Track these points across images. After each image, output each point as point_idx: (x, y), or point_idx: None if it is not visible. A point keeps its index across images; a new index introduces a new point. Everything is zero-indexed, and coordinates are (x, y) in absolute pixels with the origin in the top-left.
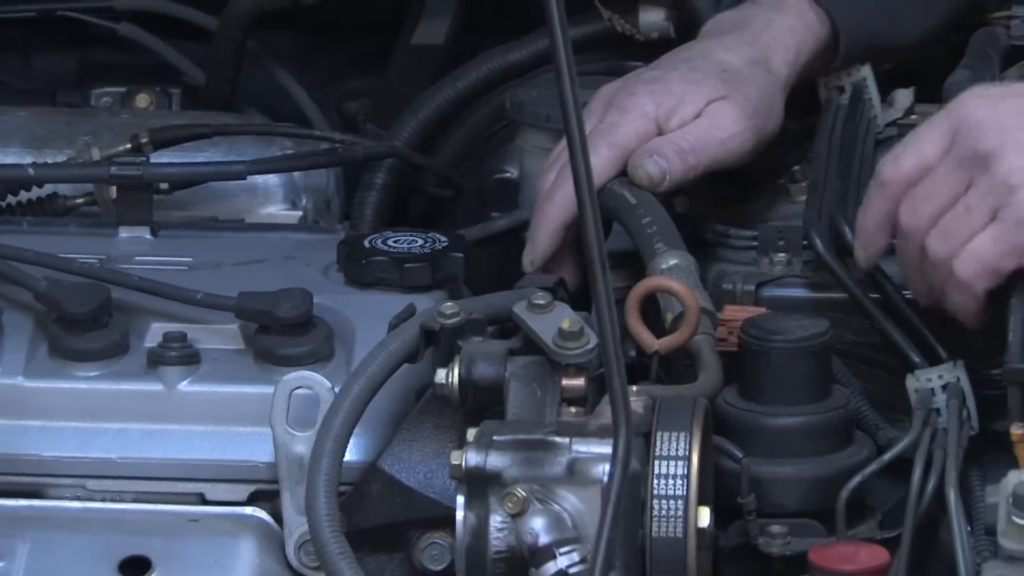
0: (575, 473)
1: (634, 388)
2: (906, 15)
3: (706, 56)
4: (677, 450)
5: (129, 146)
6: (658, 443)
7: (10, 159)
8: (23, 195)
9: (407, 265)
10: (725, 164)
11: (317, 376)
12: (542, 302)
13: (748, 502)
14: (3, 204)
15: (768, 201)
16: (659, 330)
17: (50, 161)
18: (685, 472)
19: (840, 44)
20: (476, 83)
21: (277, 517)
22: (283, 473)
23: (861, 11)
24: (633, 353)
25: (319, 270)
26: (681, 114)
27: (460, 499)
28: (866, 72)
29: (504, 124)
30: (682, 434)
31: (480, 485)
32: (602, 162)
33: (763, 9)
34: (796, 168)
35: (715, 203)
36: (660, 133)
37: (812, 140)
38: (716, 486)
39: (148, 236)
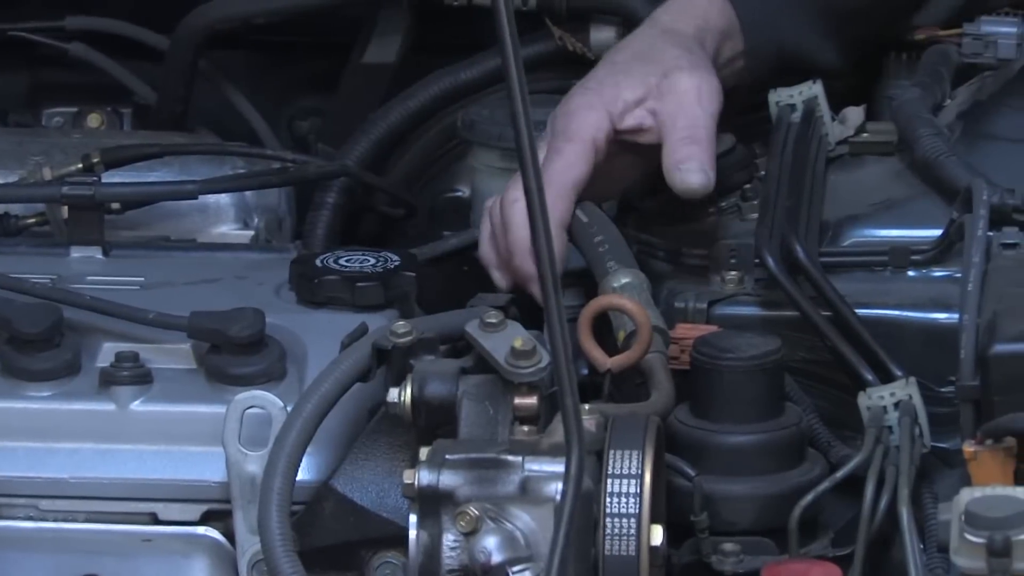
0: (528, 491)
1: (586, 406)
2: (818, 29)
3: (607, 63)
4: (629, 468)
5: (80, 166)
6: (610, 461)
7: None
8: None
9: (359, 284)
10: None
11: (269, 395)
12: (494, 321)
13: (701, 520)
14: None
15: (719, 219)
16: (611, 348)
17: (1, 181)
18: (638, 490)
19: (744, 39)
20: (428, 102)
21: (230, 537)
22: (236, 493)
23: (766, 9)
24: (585, 371)
25: (271, 289)
26: (627, 97)
27: (413, 518)
28: (817, 90)
29: (456, 143)
30: (634, 452)
31: (433, 504)
32: (569, 159)
33: (663, 5)
34: (747, 186)
35: (666, 221)
36: (613, 122)
37: (763, 158)
38: (669, 504)
39: (100, 256)
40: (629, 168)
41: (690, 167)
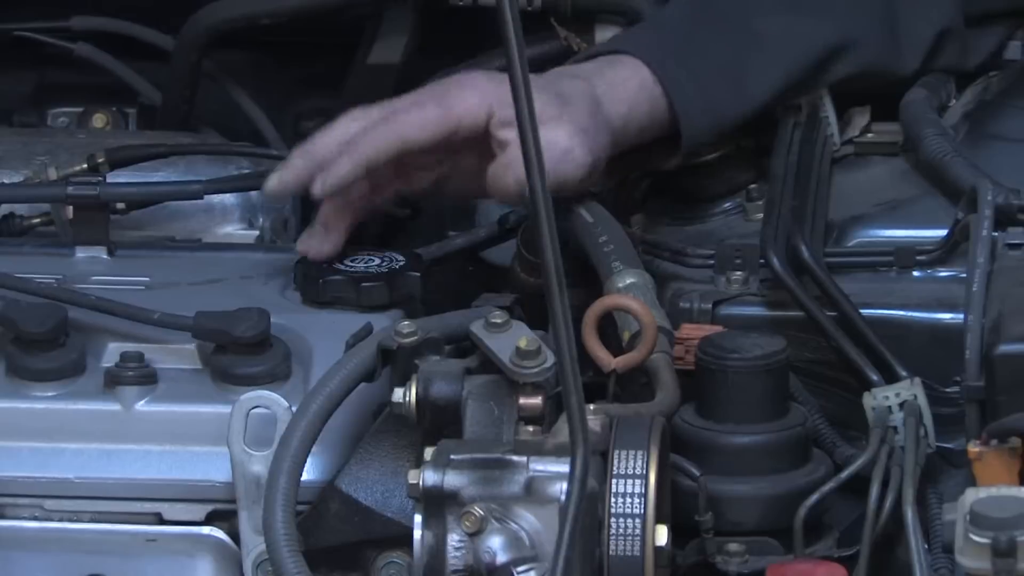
0: (533, 492)
1: (591, 407)
2: (747, 78)
3: (544, 81)
4: (634, 468)
5: (86, 166)
6: (615, 461)
7: None
8: None
9: (364, 284)
10: (567, 182)
11: (274, 396)
12: (499, 321)
13: (705, 520)
14: None
15: (725, 220)
16: (616, 349)
17: (6, 181)
18: (642, 490)
19: (677, 115)
20: None
21: (234, 537)
22: (240, 493)
23: (695, 78)
24: (590, 372)
25: (276, 290)
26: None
27: (418, 518)
28: (822, 90)
29: None
30: (639, 452)
31: (438, 504)
32: (426, 116)
33: (598, 64)
34: (753, 187)
35: (672, 222)
36: (489, 120)
37: (768, 158)
38: (673, 504)
39: (105, 256)
40: (466, 169)
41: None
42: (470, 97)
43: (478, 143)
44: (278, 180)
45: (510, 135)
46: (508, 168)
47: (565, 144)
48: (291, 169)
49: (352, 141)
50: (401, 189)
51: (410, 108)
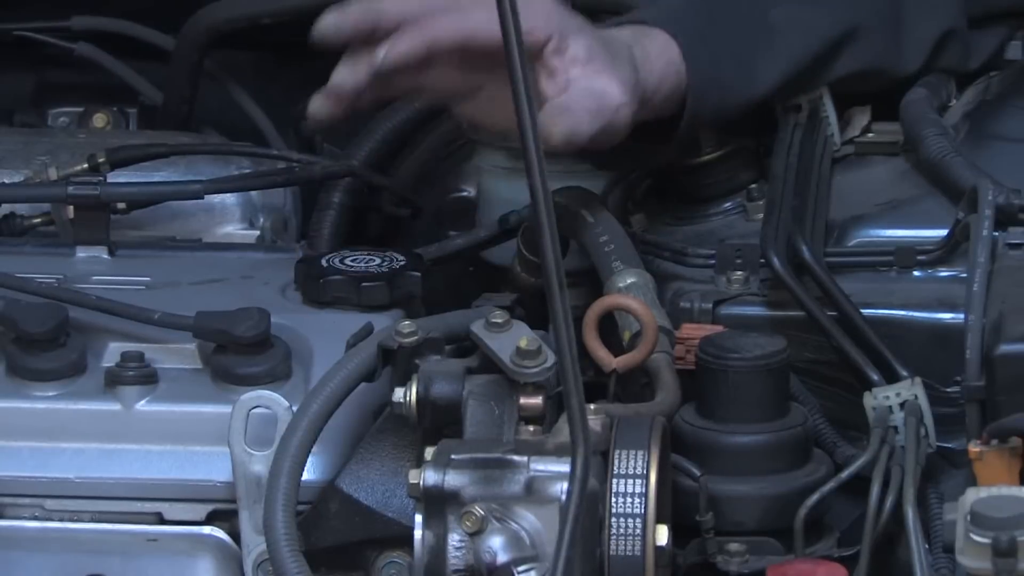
0: (533, 492)
1: (592, 407)
2: (756, 65)
3: (593, 28)
4: (635, 468)
5: (86, 166)
6: (616, 461)
7: None
8: None
9: (364, 284)
10: (611, 137)
11: (275, 395)
12: (500, 321)
13: (706, 520)
14: None
15: (725, 220)
16: (617, 348)
17: (7, 181)
18: (643, 490)
19: (689, 87)
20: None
21: (235, 536)
22: (241, 492)
23: (714, 60)
24: (591, 372)
25: (277, 289)
26: (572, 43)
27: (418, 518)
28: (823, 90)
29: (462, 143)
30: (640, 452)
31: (438, 504)
32: (493, 18)
33: (634, 32)
34: (753, 186)
35: (672, 221)
36: (546, 44)
37: (769, 158)
38: (674, 504)
39: (105, 256)
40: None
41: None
42: (536, 18)
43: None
44: (334, 21)
45: (567, 70)
46: (563, 114)
47: (618, 99)
48: (350, 14)
49: (418, 19)
50: (425, 86)
51: (476, 5)
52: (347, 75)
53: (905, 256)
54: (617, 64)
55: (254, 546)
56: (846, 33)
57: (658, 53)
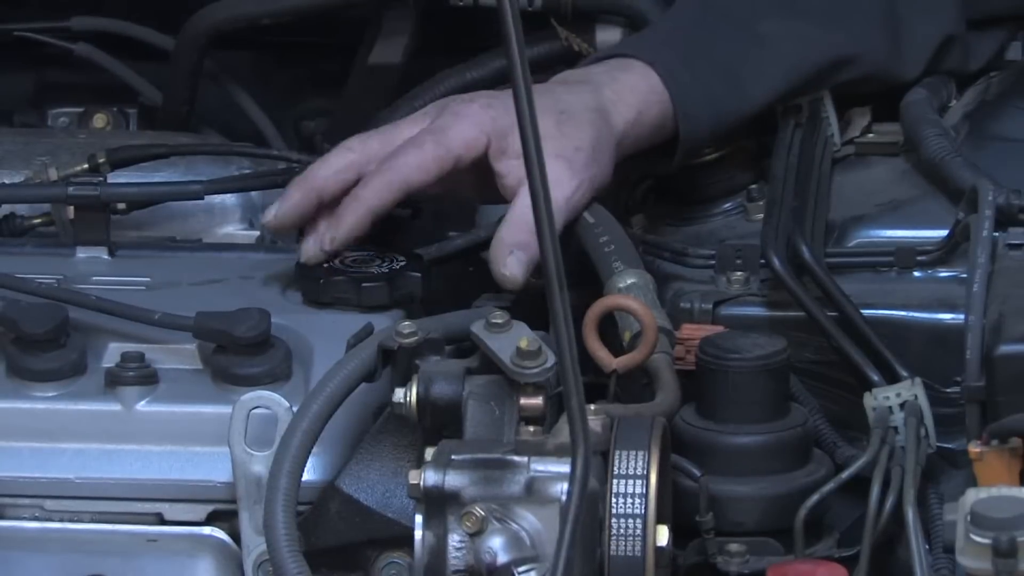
0: (533, 492)
1: (592, 407)
2: (749, 80)
3: (547, 93)
4: (635, 469)
5: (86, 166)
6: (616, 462)
7: None
8: None
9: (365, 285)
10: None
11: (275, 396)
12: (500, 321)
13: (706, 520)
14: None
15: (725, 220)
16: (617, 349)
17: (7, 181)
18: (643, 491)
19: (677, 111)
20: (434, 101)
21: (235, 537)
22: (241, 493)
23: (699, 80)
24: (591, 372)
25: (277, 290)
26: (512, 141)
27: (418, 518)
28: (823, 91)
29: None
30: (640, 453)
31: (438, 504)
32: (425, 157)
33: (608, 67)
34: (753, 187)
35: (672, 222)
36: (487, 150)
37: (769, 159)
38: (674, 505)
39: (106, 256)
40: (468, 189)
41: (519, 256)
42: (467, 131)
43: (478, 165)
44: (276, 215)
45: (516, 168)
46: (511, 254)
47: (567, 188)
48: (289, 202)
49: (354, 194)
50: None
51: (408, 149)
52: (314, 251)
53: (905, 256)
54: (567, 136)
55: (254, 546)
56: (843, 50)
57: (633, 85)
